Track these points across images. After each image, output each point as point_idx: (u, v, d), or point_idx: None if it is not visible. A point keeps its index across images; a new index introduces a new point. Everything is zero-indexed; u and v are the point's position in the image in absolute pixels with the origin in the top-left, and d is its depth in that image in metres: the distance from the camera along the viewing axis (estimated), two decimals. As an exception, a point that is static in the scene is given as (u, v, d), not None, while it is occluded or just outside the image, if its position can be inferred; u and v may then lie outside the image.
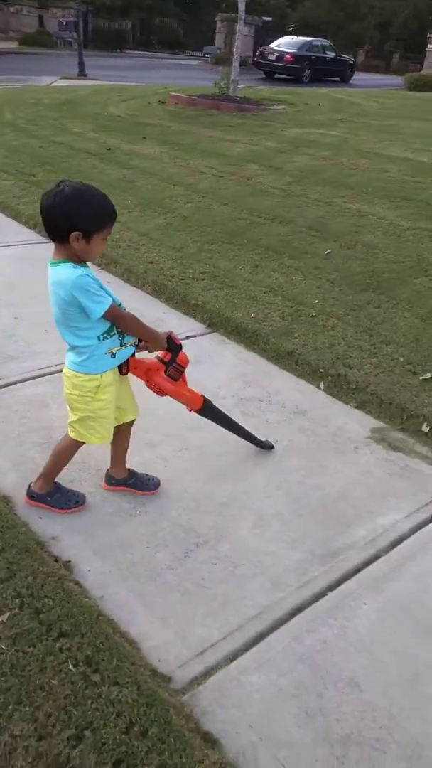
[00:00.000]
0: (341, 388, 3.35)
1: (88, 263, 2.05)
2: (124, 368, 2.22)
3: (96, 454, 2.61)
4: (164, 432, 2.90)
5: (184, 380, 2.36)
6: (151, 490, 2.52)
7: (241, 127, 10.08)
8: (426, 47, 28.17)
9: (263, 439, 2.82)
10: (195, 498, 2.54)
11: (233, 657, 1.90)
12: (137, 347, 2.22)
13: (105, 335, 2.08)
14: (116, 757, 1.56)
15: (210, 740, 1.65)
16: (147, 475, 2.55)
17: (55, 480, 2.40)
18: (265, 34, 33.05)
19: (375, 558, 2.29)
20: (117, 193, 6.23)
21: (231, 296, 4.26)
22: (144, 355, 2.29)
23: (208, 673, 1.85)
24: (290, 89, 16.42)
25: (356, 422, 3.11)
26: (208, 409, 2.50)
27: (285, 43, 25.23)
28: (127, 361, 2.21)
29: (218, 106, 11.66)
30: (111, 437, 2.31)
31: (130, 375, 2.29)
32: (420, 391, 3.24)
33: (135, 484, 2.50)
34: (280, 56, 24.23)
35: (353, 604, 2.09)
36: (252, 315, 3.99)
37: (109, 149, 8.34)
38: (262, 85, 17.14)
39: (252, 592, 2.12)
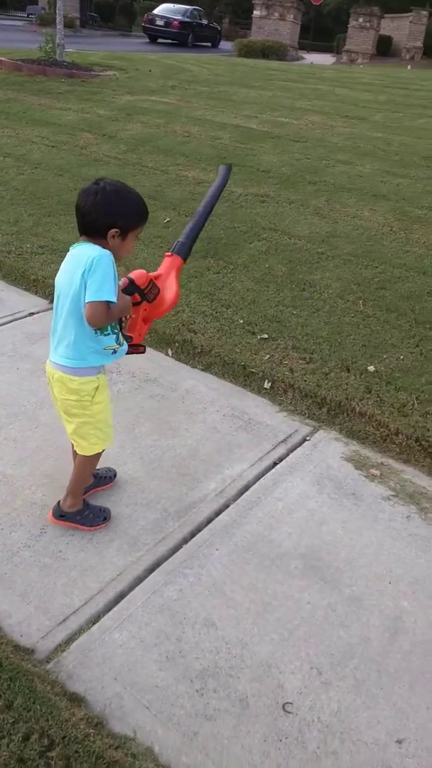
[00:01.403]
0: (188, 353, 3.47)
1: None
2: (133, 340, 2.13)
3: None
4: (10, 412, 2.85)
5: (160, 286, 2.18)
6: (108, 483, 2.51)
7: (71, 94, 9.74)
8: (252, 13, 28.72)
9: None
10: (48, 474, 2.54)
11: (95, 619, 1.97)
12: (122, 328, 2.11)
13: (100, 331, 1.99)
14: (-19, 735, 1.58)
15: (76, 699, 1.71)
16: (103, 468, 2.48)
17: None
18: (92, -6, 32.10)
19: (225, 507, 2.45)
20: None
21: (71, 270, 4.19)
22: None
23: (71, 639, 1.90)
24: (120, 54, 16.02)
25: (204, 384, 3.25)
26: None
27: (169, 10, 26.86)
28: (135, 348, 2.15)
29: (45, 72, 11.13)
30: (112, 439, 2.22)
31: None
32: (259, 349, 3.45)
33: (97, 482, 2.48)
34: (168, 22, 25.98)
35: (206, 552, 2.24)
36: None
37: None
38: (88, 49, 16.55)
39: (110, 557, 2.19)
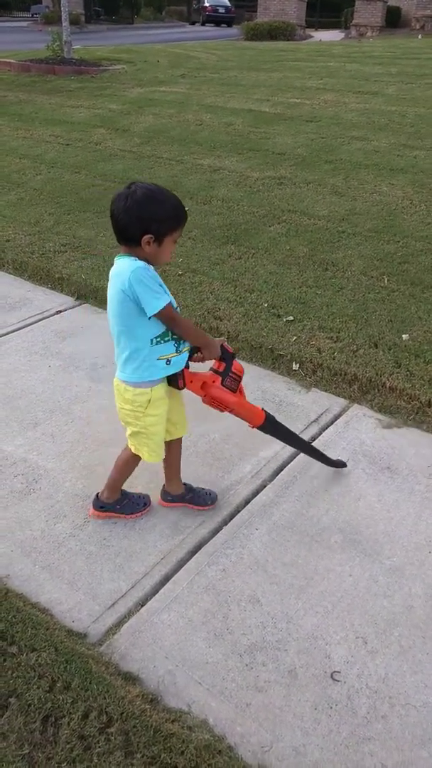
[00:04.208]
0: (214, 339, 3.49)
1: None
2: (180, 382, 2.04)
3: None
4: (46, 409, 2.92)
5: (242, 392, 2.16)
6: (209, 504, 2.39)
7: (81, 90, 9.80)
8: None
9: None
10: (86, 466, 2.60)
11: (143, 602, 2.03)
12: (191, 357, 2.07)
13: (158, 339, 1.94)
14: (44, 714, 1.65)
15: (130, 678, 1.77)
16: (204, 489, 2.43)
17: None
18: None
19: (262, 487, 2.49)
20: (-42, 174, 5.91)
21: (96, 265, 4.26)
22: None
23: (121, 622, 1.97)
24: (126, 47, 16.02)
25: (231, 369, 3.28)
26: (270, 423, 2.27)
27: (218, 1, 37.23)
28: (182, 374, 2.04)
29: (54, 71, 11.21)
30: (163, 454, 2.21)
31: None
32: (285, 332, 3.46)
33: (192, 499, 2.39)
34: (228, 9, 37.05)
35: (246, 532, 2.28)
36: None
37: None
38: (95, 44, 16.57)
39: (153, 541, 2.25)
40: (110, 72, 11.42)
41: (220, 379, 2.07)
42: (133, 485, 2.50)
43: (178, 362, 2.02)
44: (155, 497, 2.42)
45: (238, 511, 2.38)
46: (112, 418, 2.87)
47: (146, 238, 1.82)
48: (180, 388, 2.06)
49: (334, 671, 1.80)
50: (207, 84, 10.08)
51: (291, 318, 3.58)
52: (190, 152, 6.54)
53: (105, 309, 3.82)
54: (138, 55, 13.75)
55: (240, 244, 4.53)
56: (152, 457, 2.16)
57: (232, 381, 2.09)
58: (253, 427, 2.24)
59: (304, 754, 1.61)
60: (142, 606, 2.02)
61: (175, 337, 1.97)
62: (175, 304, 1.96)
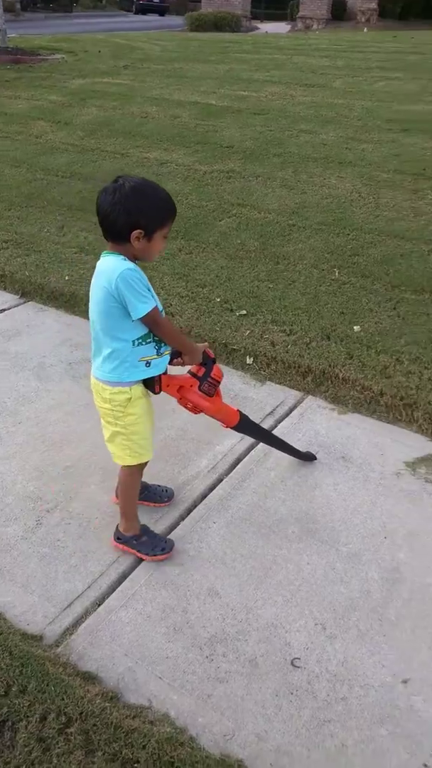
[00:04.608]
0: (167, 335, 3.47)
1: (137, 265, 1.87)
2: (156, 387, 2.00)
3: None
4: (-5, 409, 2.86)
5: (219, 395, 2.14)
6: (165, 501, 2.38)
7: (19, 81, 9.56)
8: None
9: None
10: (37, 467, 2.56)
11: (100, 601, 2.01)
12: (172, 361, 2.03)
13: (140, 341, 1.89)
14: (0, 719, 1.62)
15: (89, 677, 1.76)
16: (159, 486, 2.41)
17: (141, 523, 2.22)
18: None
19: (218, 481, 2.49)
20: None
21: (40, 261, 4.17)
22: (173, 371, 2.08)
23: (78, 622, 1.94)
24: (65, 36, 15.70)
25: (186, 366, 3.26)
26: (244, 424, 2.28)
27: None
28: (159, 379, 1.99)
29: (-8, 61, 10.90)
30: (150, 454, 2.11)
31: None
32: (238, 326, 3.47)
33: (148, 497, 2.36)
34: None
35: (204, 526, 2.28)
36: (66, 278, 3.95)
37: None
38: (32, 33, 16.19)
39: (109, 540, 2.22)
40: (49, 62, 11.17)
41: (197, 383, 2.06)
42: (86, 483, 2.47)
43: (158, 365, 1.97)
44: (108, 496, 2.39)
45: (195, 506, 2.38)
46: (62, 418, 2.84)
47: (136, 233, 1.77)
48: (156, 393, 2.02)
49: (294, 658, 1.82)
50: (151, 76, 9.98)
51: (244, 312, 3.59)
52: (136, 145, 6.48)
53: (53, 306, 3.80)
54: (78, 45, 13.48)
55: (190, 238, 4.51)
56: (134, 457, 2.06)
57: (210, 386, 2.07)
58: (226, 427, 2.24)
59: (266, 739, 1.63)
60: (99, 605, 2.00)
61: (156, 338, 1.92)
62: (161, 308, 1.92)
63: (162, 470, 2.54)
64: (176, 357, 2.03)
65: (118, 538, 2.20)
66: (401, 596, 2.00)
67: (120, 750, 1.56)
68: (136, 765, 1.52)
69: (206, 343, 2.13)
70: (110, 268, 1.79)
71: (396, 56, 11.55)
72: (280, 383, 3.07)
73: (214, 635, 1.89)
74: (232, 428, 2.25)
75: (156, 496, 2.37)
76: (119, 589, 2.06)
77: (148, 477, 2.40)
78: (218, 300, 3.72)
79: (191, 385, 2.07)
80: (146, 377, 1.96)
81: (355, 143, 6.34)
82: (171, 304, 3.68)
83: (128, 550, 2.18)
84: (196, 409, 2.11)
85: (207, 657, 1.83)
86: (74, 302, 3.74)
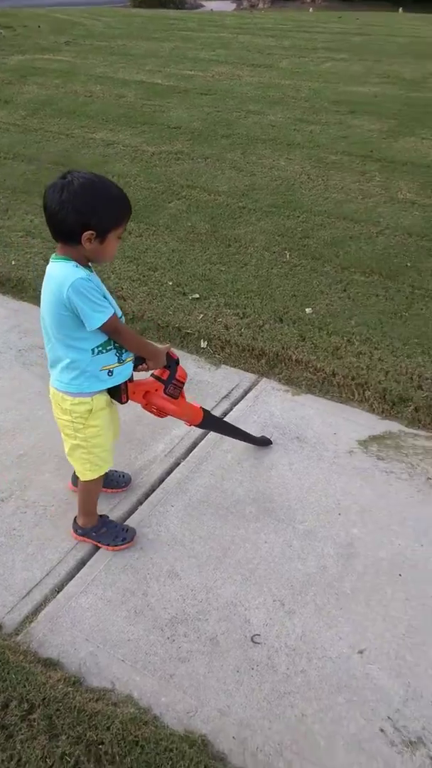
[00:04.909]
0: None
1: (91, 267, 1.79)
2: (123, 396, 1.93)
3: None
4: None
5: (183, 396, 2.12)
6: (122, 487, 2.36)
7: (-43, 58, 9.16)
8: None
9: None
10: (-12, 455, 2.51)
11: (59, 588, 2.01)
12: (136, 368, 1.95)
13: (100, 349, 1.80)
14: (-39, 712, 1.60)
15: (51, 664, 1.76)
16: (116, 471, 2.36)
17: (101, 513, 2.18)
18: None
19: (176, 465, 2.50)
20: None
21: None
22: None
23: (37, 610, 1.94)
24: (1, 10, 15.07)
25: (138, 348, 3.24)
26: (207, 421, 2.27)
27: None
28: (125, 387, 1.93)
29: None
30: (108, 466, 2.06)
31: None
32: (191, 310, 3.46)
33: (106, 483, 2.27)
34: None
35: (162, 509, 2.29)
36: (13, 262, 3.85)
37: None
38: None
39: (66, 527, 2.21)
40: (-12, 38, 10.72)
41: (162, 387, 2.03)
42: (40, 470, 2.44)
43: (121, 373, 1.89)
44: (64, 483, 2.37)
45: (153, 490, 2.39)
46: (14, 406, 2.78)
47: (87, 234, 1.65)
48: (123, 402, 1.96)
49: (254, 635, 1.86)
50: (94, 53, 9.72)
51: (197, 296, 3.58)
52: (81, 125, 6.32)
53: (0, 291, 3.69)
54: (15, 20, 12.95)
55: (140, 221, 4.46)
56: (94, 471, 2.00)
57: (175, 388, 2.04)
58: (190, 425, 2.25)
59: (229, 714, 1.66)
60: (58, 592, 2.00)
61: (117, 345, 1.84)
62: (120, 314, 1.84)
63: (119, 455, 2.51)
64: (140, 363, 1.95)
65: (76, 530, 2.17)
66: (356, 570, 2.07)
67: (84, 732, 1.57)
68: (101, 746, 1.53)
69: (168, 344, 2.07)
70: (60, 276, 1.68)
71: (341, 37, 11.60)
72: (234, 366, 3.09)
73: (174, 616, 1.91)
74: (196, 426, 2.25)
75: (113, 482, 2.36)
76: (78, 575, 2.05)
77: (104, 463, 2.40)
78: (170, 283, 3.70)
79: (156, 390, 2.03)
80: (109, 387, 1.89)
81: (303, 125, 6.36)
82: (122, 288, 3.64)
83: (88, 541, 2.16)
84: (162, 413, 2.08)
85: (168, 638, 1.85)
86: (22, 288, 3.65)
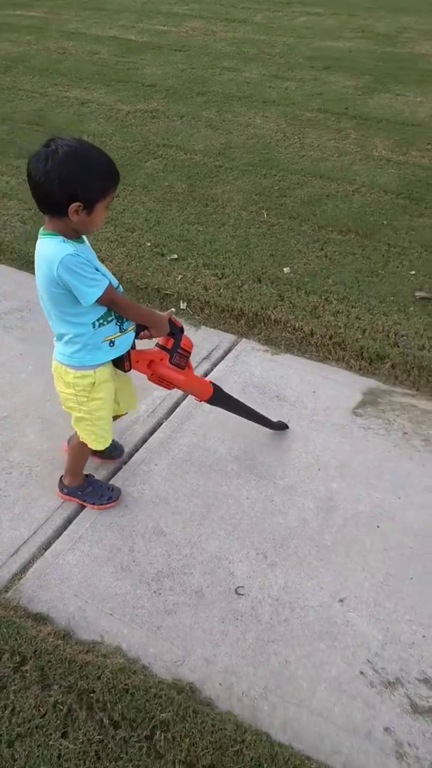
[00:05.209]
0: (97, 281, 3.40)
1: (84, 237, 1.73)
2: (126, 365, 1.90)
3: None
4: None
5: (190, 367, 2.06)
6: (115, 458, 2.35)
7: None
8: None
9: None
10: (-28, 419, 2.50)
11: (47, 546, 2.04)
12: (138, 336, 1.91)
13: (101, 321, 1.76)
14: None
15: (41, 618, 1.80)
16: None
17: (86, 473, 2.18)
18: None
19: (158, 425, 2.52)
20: None
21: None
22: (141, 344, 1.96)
23: (26, 567, 1.97)
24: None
25: (117, 311, 3.22)
26: (218, 397, 2.19)
27: None
28: (128, 355, 1.89)
29: None
30: (110, 439, 2.05)
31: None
32: (170, 271, 3.44)
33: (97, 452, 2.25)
34: None
35: (146, 468, 2.32)
36: (-12, 224, 3.78)
37: None
38: None
39: (52, 487, 2.23)
40: None
41: (168, 356, 1.97)
42: (24, 432, 2.45)
43: (123, 343, 1.86)
44: (48, 444, 2.38)
45: (137, 450, 2.41)
46: (-4, 368, 2.77)
47: (74, 206, 1.57)
48: (126, 371, 1.93)
49: (238, 586, 1.91)
50: (66, 8, 9.35)
51: (175, 256, 3.55)
52: (54, 83, 6.13)
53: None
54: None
55: (116, 181, 4.37)
56: (99, 443, 2.00)
57: (181, 358, 1.98)
58: (200, 401, 2.19)
59: (215, 662, 1.73)
60: (46, 549, 2.03)
61: (117, 315, 1.81)
62: (116, 283, 1.80)
63: (100, 417, 2.54)
64: (142, 330, 1.91)
65: (62, 489, 2.20)
66: (335, 523, 2.12)
67: (75, 682, 1.61)
68: (92, 694, 1.59)
69: (171, 310, 2.02)
70: (49, 254, 1.63)
71: (317, -9, 11.29)
72: (214, 327, 3.09)
73: (160, 571, 1.96)
74: (206, 401, 2.19)
75: (105, 452, 2.31)
76: (65, 533, 2.08)
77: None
78: (148, 244, 3.66)
79: (161, 359, 1.97)
80: (112, 358, 1.87)
81: (278, 81, 6.23)
82: (101, 250, 3.59)
83: (74, 500, 2.18)
84: (168, 384, 2.02)
85: (155, 591, 1.90)
86: (-2, 250, 3.59)
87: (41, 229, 1.70)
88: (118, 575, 1.94)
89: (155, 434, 2.48)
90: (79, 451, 2.11)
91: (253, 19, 8.81)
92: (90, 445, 2.03)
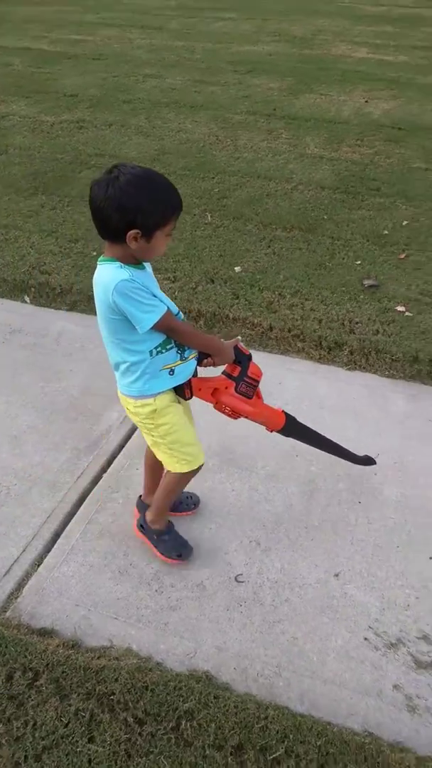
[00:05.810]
0: (47, 296, 3.38)
1: (145, 264, 1.67)
2: (187, 392, 1.80)
3: None
4: None
5: (259, 396, 1.94)
6: (192, 510, 2.20)
7: None
8: None
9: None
10: None
11: (39, 562, 2.02)
12: (200, 363, 1.81)
13: (159, 349, 1.69)
14: (-34, 690, 1.61)
15: (46, 632, 1.79)
16: (184, 492, 2.14)
17: (170, 519, 2.05)
18: None
19: (133, 431, 2.53)
20: None
21: None
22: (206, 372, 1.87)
23: (21, 585, 1.95)
24: None
25: (73, 323, 3.21)
26: (291, 427, 2.05)
27: None
28: (189, 383, 1.80)
29: None
30: (201, 459, 1.91)
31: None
32: (120, 277, 3.44)
33: (174, 506, 2.15)
34: None
35: (128, 474, 2.33)
36: None
37: None
38: None
39: (34, 503, 2.22)
40: None
41: (233, 384, 1.86)
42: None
43: (184, 371, 1.78)
44: (21, 462, 2.35)
45: (115, 457, 2.42)
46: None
47: (132, 233, 1.53)
48: (187, 399, 1.85)
49: (237, 574, 1.96)
50: (-27, 21, 9.17)
51: (123, 263, 3.56)
52: (-27, 98, 6.01)
53: None
54: None
55: (51, 193, 4.35)
56: (184, 465, 1.87)
57: (248, 387, 1.87)
58: (271, 431, 2.05)
59: (226, 649, 1.77)
60: (39, 565, 2.01)
61: (177, 343, 1.74)
62: (175, 310, 1.74)
63: (73, 429, 2.54)
64: (204, 358, 1.81)
65: (140, 526, 2.08)
66: (319, 504, 2.21)
67: (93, 688, 1.62)
68: (112, 697, 1.60)
69: (237, 338, 1.92)
70: (105, 280, 1.59)
71: (225, -4, 11.50)
72: (173, 329, 3.13)
73: (158, 570, 1.98)
74: (278, 432, 2.06)
75: (181, 504, 2.20)
76: (55, 546, 2.07)
77: (60, 437, 2.39)
78: (95, 254, 3.66)
79: (226, 387, 1.86)
80: (170, 387, 1.79)
81: (203, 86, 6.34)
82: (45, 263, 3.57)
83: (146, 541, 2.06)
84: (235, 414, 1.92)
85: (156, 590, 1.92)
86: None
87: (101, 257, 1.67)
88: (117, 580, 1.95)
89: (131, 439, 2.50)
90: (174, 487, 1.97)
91: (168, 26, 8.90)
92: (174, 469, 1.89)
